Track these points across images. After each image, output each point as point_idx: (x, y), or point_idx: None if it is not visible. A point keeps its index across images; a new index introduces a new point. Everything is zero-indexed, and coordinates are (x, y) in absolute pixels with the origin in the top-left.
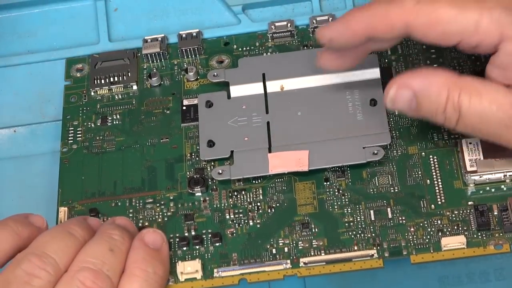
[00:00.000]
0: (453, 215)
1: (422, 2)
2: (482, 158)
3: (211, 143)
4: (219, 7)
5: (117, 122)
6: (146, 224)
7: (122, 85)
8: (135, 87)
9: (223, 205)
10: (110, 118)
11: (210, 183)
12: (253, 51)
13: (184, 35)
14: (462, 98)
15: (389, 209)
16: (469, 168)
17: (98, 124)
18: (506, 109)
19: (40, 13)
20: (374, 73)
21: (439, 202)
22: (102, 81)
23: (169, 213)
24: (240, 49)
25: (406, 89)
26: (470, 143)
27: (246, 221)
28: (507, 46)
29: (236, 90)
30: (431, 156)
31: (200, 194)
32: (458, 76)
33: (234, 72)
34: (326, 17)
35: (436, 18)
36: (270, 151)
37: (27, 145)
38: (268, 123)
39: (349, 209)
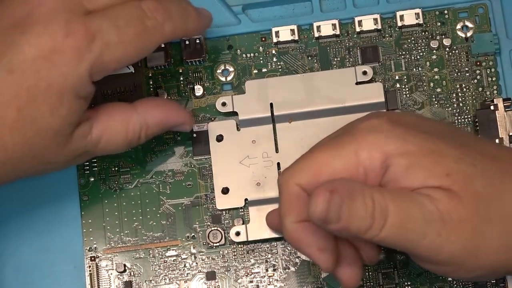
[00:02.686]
0: None
1: (298, 163)
2: None
3: (225, 190)
4: (219, 7)
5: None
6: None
7: None
8: None
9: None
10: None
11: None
12: (257, 59)
13: (187, 42)
14: (387, 198)
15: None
16: None
17: None
18: (426, 204)
19: None
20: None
21: None
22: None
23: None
24: (244, 55)
25: (335, 194)
26: None
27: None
28: (395, 161)
29: (245, 122)
30: None
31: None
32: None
33: (242, 100)
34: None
35: (317, 167)
36: None
37: None
38: (278, 164)
39: None
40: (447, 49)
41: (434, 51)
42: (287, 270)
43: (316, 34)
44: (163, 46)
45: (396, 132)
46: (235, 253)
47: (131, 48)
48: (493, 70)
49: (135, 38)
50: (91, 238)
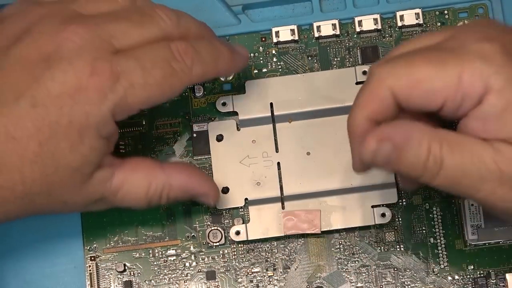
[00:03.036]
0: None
1: (398, 66)
2: (483, 224)
3: (225, 190)
4: (219, 7)
5: (130, 149)
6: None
7: None
8: None
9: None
10: (122, 144)
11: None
12: (257, 59)
13: None
14: (444, 150)
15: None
16: (470, 237)
17: None
18: (487, 163)
19: None
20: None
21: (442, 266)
22: None
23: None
24: None
25: (386, 142)
26: (472, 205)
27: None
28: (491, 98)
29: (245, 122)
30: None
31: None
32: (436, 129)
33: (242, 100)
34: (327, 22)
35: (416, 79)
36: (282, 203)
37: None
38: (278, 163)
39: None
40: None
41: None
42: (287, 270)
43: (316, 34)
44: None
45: (506, 70)
46: (235, 253)
47: (157, 90)
48: None
49: (161, 81)
50: (91, 238)
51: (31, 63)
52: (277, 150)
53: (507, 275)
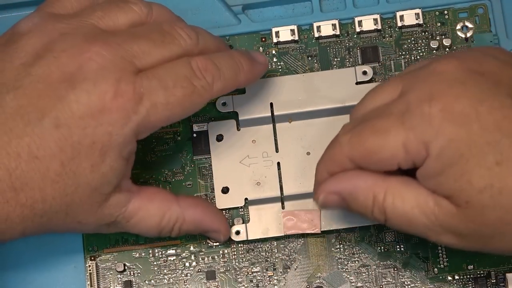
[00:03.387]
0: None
1: (353, 136)
2: None
3: (225, 190)
4: (219, 7)
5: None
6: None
7: None
8: None
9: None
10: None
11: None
12: None
13: None
14: (386, 201)
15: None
16: None
17: None
18: (428, 214)
19: None
20: None
21: (442, 266)
22: None
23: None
24: None
25: (333, 195)
26: None
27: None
28: (430, 162)
29: (245, 122)
30: None
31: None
32: (384, 177)
33: (242, 100)
34: (328, 22)
35: (367, 150)
36: (282, 203)
37: None
38: (278, 163)
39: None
40: (447, 49)
41: (434, 51)
42: (287, 270)
43: (316, 34)
44: None
45: (445, 131)
46: (235, 253)
47: (178, 108)
48: None
49: (183, 99)
50: (91, 238)
51: (54, 82)
52: (277, 150)
53: (507, 275)
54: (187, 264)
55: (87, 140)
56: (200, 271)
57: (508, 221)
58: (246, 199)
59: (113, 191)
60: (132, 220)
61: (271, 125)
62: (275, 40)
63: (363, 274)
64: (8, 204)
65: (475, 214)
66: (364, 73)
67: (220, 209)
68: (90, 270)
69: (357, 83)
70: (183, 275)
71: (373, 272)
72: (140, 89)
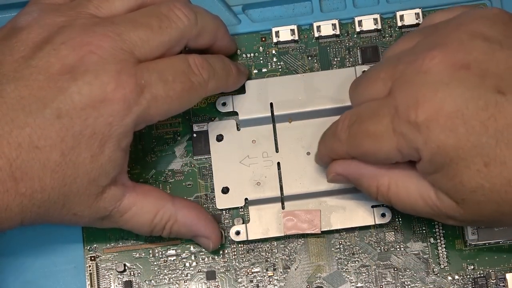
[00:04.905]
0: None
1: (350, 137)
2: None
3: (225, 190)
4: (219, 7)
5: (130, 149)
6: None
7: None
8: None
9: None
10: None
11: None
12: (257, 59)
13: None
14: (390, 191)
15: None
16: (470, 237)
17: None
18: (431, 206)
19: None
20: None
21: (442, 266)
22: None
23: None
24: (244, 55)
25: (341, 177)
26: None
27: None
28: (423, 164)
29: (245, 122)
30: None
31: None
32: (387, 168)
33: (242, 100)
34: (328, 22)
35: (363, 152)
36: (282, 203)
37: None
38: (278, 163)
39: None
40: None
41: None
42: (287, 270)
43: (316, 34)
44: None
45: (434, 138)
46: (235, 253)
47: (177, 102)
48: None
49: (181, 94)
50: (91, 238)
51: (54, 74)
52: (277, 150)
53: (507, 275)
54: (187, 264)
55: (88, 131)
56: (200, 271)
57: (504, 211)
58: (246, 199)
59: (110, 183)
60: (126, 215)
61: (271, 125)
62: (275, 40)
63: (363, 274)
64: (8, 193)
65: (473, 208)
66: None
67: (220, 209)
68: (90, 270)
69: None
70: (183, 275)
71: (373, 272)
72: (141, 81)
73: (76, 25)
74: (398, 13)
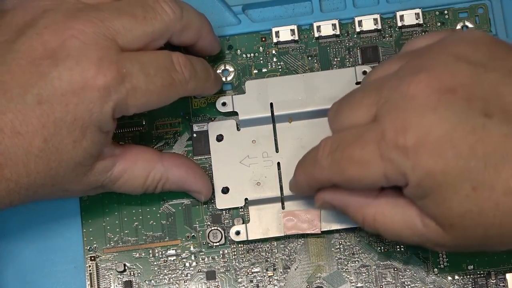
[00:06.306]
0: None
1: (333, 164)
2: None
3: (225, 190)
4: (219, 7)
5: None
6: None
7: None
8: None
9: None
10: (122, 144)
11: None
12: (257, 59)
13: None
14: (376, 222)
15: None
16: None
17: None
18: (418, 235)
19: None
20: None
21: (442, 266)
22: None
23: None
24: (244, 56)
25: (329, 204)
26: None
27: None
28: (410, 189)
29: (245, 122)
30: None
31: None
32: (373, 198)
33: (242, 100)
34: (328, 22)
35: (347, 179)
36: (282, 203)
37: None
38: (278, 163)
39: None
40: None
41: None
42: (287, 270)
43: (316, 34)
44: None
45: (421, 164)
46: (235, 253)
47: (155, 97)
48: None
49: (161, 89)
50: (91, 238)
51: (36, 59)
52: (277, 150)
53: (507, 275)
54: (187, 264)
55: (69, 117)
56: (200, 271)
57: (492, 234)
58: (246, 199)
59: (96, 160)
60: (118, 182)
61: (271, 125)
62: (275, 40)
63: (363, 274)
64: None
65: (460, 234)
66: (364, 73)
67: (220, 209)
68: (90, 270)
69: (357, 83)
70: (183, 275)
71: (373, 272)
72: (123, 70)
73: (60, 9)
74: (398, 13)
